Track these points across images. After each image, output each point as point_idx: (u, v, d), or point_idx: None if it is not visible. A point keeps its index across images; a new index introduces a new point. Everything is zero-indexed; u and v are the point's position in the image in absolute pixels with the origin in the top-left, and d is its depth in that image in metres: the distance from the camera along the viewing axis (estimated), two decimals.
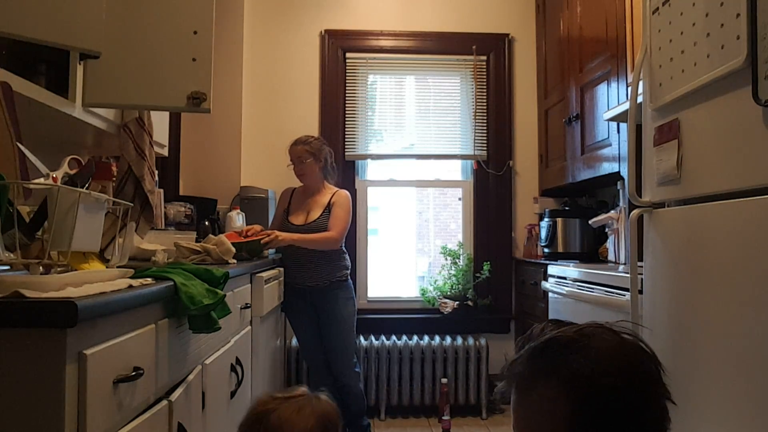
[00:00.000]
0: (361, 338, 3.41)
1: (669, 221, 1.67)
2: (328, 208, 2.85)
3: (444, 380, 3.23)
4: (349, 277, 2.91)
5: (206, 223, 3.02)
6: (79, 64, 1.54)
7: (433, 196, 5.65)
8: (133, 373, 1.05)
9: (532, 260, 3.41)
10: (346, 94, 3.71)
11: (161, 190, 2.36)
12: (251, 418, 1.18)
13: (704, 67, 1.44)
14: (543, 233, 3.41)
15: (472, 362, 3.38)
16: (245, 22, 3.45)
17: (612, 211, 2.93)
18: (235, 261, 2.20)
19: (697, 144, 1.52)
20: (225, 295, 1.49)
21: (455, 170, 3.91)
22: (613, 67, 2.70)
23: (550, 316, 2.85)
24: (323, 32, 3.70)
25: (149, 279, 1.23)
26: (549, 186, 3.60)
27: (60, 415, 0.85)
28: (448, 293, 3.63)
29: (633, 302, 1.76)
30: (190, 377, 1.45)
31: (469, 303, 3.57)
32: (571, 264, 2.75)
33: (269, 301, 2.50)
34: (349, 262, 2.94)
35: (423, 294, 3.68)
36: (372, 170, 3.85)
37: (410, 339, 3.43)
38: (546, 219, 3.38)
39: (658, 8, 1.69)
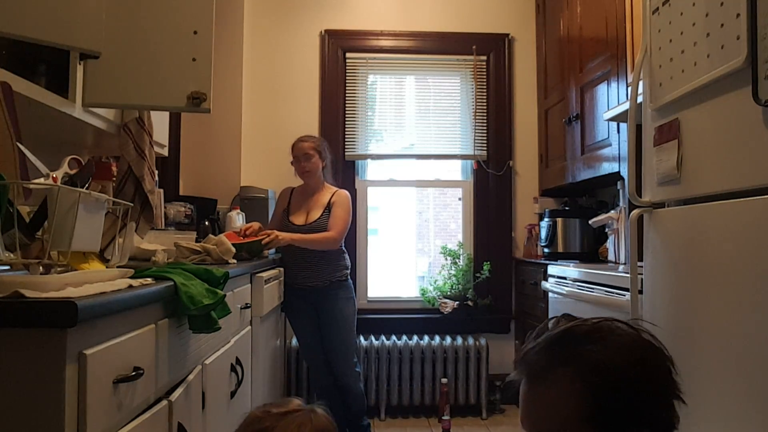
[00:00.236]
0: (361, 338, 3.41)
1: (669, 221, 1.67)
2: (329, 207, 2.84)
3: (444, 380, 3.24)
4: (349, 277, 2.91)
5: (206, 223, 3.02)
6: (79, 64, 1.54)
7: (433, 196, 5.66)
8: (133, 373, 1.05)
9: (532, 260, 3.41)
10: (346, 94, 3.71)
11: (161, 190, 2.36)
12: None
13: (704, 67, 1.44)
14: (543, 233, 3.41)
15: (472, 362, 3.38)
16: (245, 22, 3.45)
17: (612, 211, 2.93)
18: (235, 261, 2.20)
19: (697, 144, 1.52)
20: (225, 295, 1.49)
21: (455, 170, 3.91)
22: (613, 67, 2.70)
23: (550, 316, 2.85)
24: (323, 32, 3.70)
25: (149, 279, 1.23)
26: (549, 186, 3.60)
27: (60, 415, 0.85)
28: (448, 293, 3.63)
29: (633, 302, 1.76)
30: (190, 377, 1.45)
31: (469, 303, 3.57)
32: (571, 264, 2.75)
33: (269, 301, 2.50)
34: (349, 262, 2.94)
35: (423, 294, 3.68)
36: (372, 170, 3.85)
37: (410, 339, 3.43)
38: (546, 219, 3.38)
39: (658, 8, 1.69)
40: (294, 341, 3.23)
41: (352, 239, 3.57)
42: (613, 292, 2.10)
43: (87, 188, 1.17)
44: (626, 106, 2.25)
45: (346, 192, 2.93)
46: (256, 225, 2.69)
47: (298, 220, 2.87)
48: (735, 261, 1.35)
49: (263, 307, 2.38)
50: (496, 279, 3.64)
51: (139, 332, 1.12)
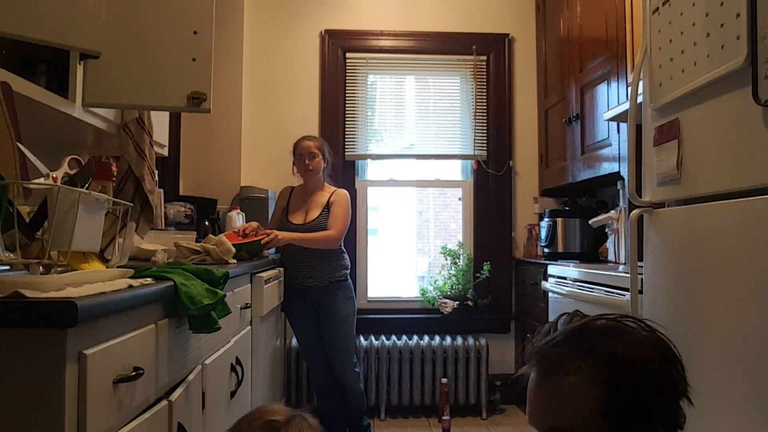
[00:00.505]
0: (361, 338, 3.41)
1: (669, 221, 1.67)
2: (327, 207, 2.84)
3: (444, 380, 3.23)
4: (348, 277, 2.91)
5: (206, 223, 3.01)
6: (79, 64, 1.54)
7: (433, 196, 5.66)
8: (133, 373, 1.05)
9: (532, 260, 3.41)
10: (346, 94, 3.71)
11: (161, 190, 2.36)
12: None
13: (704, 67, 1.44)
14: (543, 233, 3.41)
15: (472, 362, 3.38)
16: (245, 22, 3.45)
17: (612, 211, 2.93)
18: (235, 261, 2.20)
19: (697, 144, 1.52)
20: (225, 295, 1.49)
21: (455, 170, 3.91)
22: (613, 67, 2.70)
23: (550, 317, 2.85)
24: (323, 32, 3.69)
25: (149, 279, 1.23)
26: (549, 186, 3.60)
27: (60, 415, 0.85)
28: (448, 293, 3.63)
29: (633, 302, 1.76)
30: (190, 377, 1.45)
31: (469, 303, 3.57)
32: (571, 264, 2.75)
33: (269, 301, 2.50)
34: (348, 262, 2.94)
35: (423, 294, 3.68)
36: (372, 170, 3.85)
37: (410, 339, 3.43)
38: (546, 219, 3.38)
39: (658, 8, 1.69)
40: (294, 341, 3.23)
41: (352, 239, 3.57)
42: (613, 292, 2.10)
43: (87, 188, 1.17)
44: (626, 106, 2.25)
45: (345, 191, 2.93)
46: (254, 224, 2.69)
47: (297, 219, 2.87)
48: (735, 261, 1.35)
49: (263, 307, 2.38)
50: (496, 279, 3.64)
51: (139, 332, 1.12)
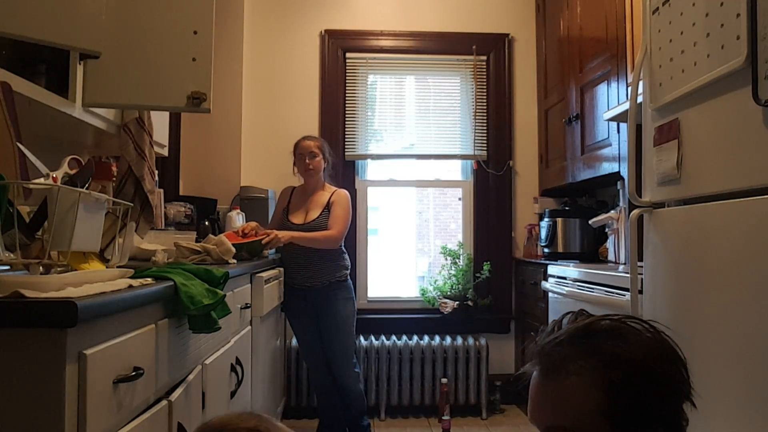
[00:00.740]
0: (361, 338, 3.41)
1: (669, 221, 1.67)
2: (328, 207, 2.84)
3: (444, 380, 3.23)
4: (348, 277, 2.91)
5: (206, 223, 3.01)
6: (79, 64, 1.54)
7: (433, 196, 5.65)
8: (133, 373, 1.05)
9: (532, 260, 3.41)
10: (346, 94, 3.71)
11: (161, 190, 2.36)
12: None
13: (704, 67, 1.44)
14: (543, 233, 3.41)
15: (472, 362, 3.38)
16: (245, 22, 3.45)
17: (612, 211, 2.93)
18: (235, 261, 2.20)
19: (697, 144, 1.52)
20: (225, 295, 1.49)
21: (455, 170, 3.91)
22: (613, 67, 2.70)
23: (550, 317, 2.85)
24: (323, 32, 3.69)
25: (149, 279, 1.23)
26: (549, 186, 3.60)
27: (60, 415, 0.85)
28: (448, 293, 3.62)
29: (633, 302, 1.76)
30: (190, 377, 1.45)
31: (469, 303, 3.57)
32: (571, 264, 2.75)
33: (269, 301, 2.50)
34: (348, 262, 2.94)
35: (423, 294, 3.68)
36: (372, 170, 3.84)
37: (410, 339, 3.43)
38: (546, 219, 3.38)
39: (658, 8, 1.69)
40: (294, 341, 3.23)
41: (352, 239, 3.57)
42: (613, 292, 2.10)
43: (87, 188, 1.17)
44: (626, 106, 2.25)
45: (346, 191, 2.93)
46: (253, 224, 2.69)
47: (297, 219, 2.87)
48: (735, 261, 1.35)
49: (263, 307, 2.38)
50: (496, 279, 3.64)
51: (139, 332, 1.12)
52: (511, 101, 3.77)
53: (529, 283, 3.35)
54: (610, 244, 2.96)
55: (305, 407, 3.33)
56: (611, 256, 2.93)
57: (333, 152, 3.04)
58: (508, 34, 3.77)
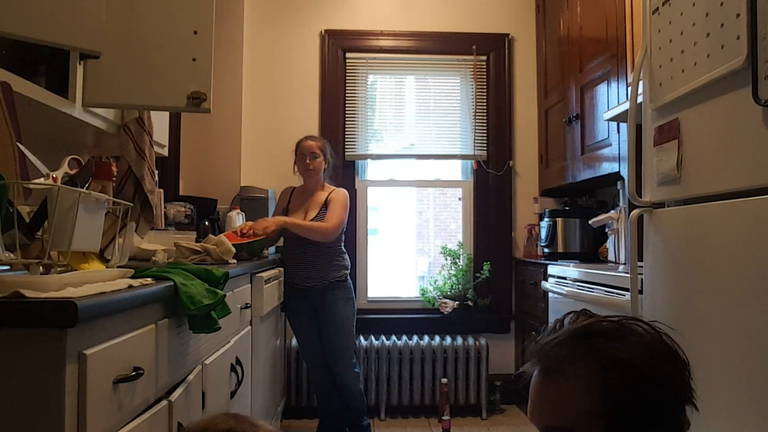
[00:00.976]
0: (361, 338, 3.41)
1: (669, 221, 1.67)
2: (326, 205, 2.84)
3: (444, 380, 3.23)
4: (348, 278, 2.91)
5: (206, 223, 3.01)
6: (79, 64, 1.54)
7: (433, 196, 5.66)
8: (133, 373, 1.05)
9: (532, 260, 3.41)
10: (346, 94, 3.71)
11: (161, 190, 2.36)
12: None
13: (704, 67, 1.44)
14: (543, 233, 3.41)
15: (472, 362, 3.38)
16: (245, 22, 3.45)
17: (612, 211, 2.93)
18: (235, 261, 2.20)
19: (697, 144, 1.52)
20: (225, 295, 1.49)
21: (455, 170, 3.91)
22: (613, 67, 2.70)
23: (550, 317, 2.85)
24: (323, 32, 3.69)
25: (149, 279, 1.23)
26: (549, 186, 3.60)
27: (60, 415, 0.85)
28: (448, 293, 3.62)
29: (633, 302, 1.76)
30: (190, 377, 1.45)
31: (469, 303, 3.57)
32: (571, 264, 2.75)
33: (269, 301, 2.50)
34: (348, 262, 2.94)
35: (423, 294, 3.68)
36: (372, 170, 3.84)
37: (410, 339, 3.43)
38: (546, 219, 3.38)
39: (658, 8, 1.69)
40: (294, 341, 3.23)
41: (352, 239, 3.57)
42: (613, 292, 2.10)
43: (87, 188, 1.17)
44: (626, 106, 2.25)
45: (345, 190, 2.93)
46: (249, 224, 2.69)
47: (297, 218, 2.87)
48: (735, 261, 1.35)
49: (263, 307, 2.38)
50: (496, 279, 3.64)
51: (139, 332, 1.12)
52: (511, 101, 3.77)
53: (529, 283, 3.35)
54: (610, 244, 2.96)
55: (305, 407, 3.33)
56: (611, 256, 2.93)
57: (335, 153, 3.04)
58: (508, 34, 3.77)
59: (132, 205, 1.43)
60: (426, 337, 3.45)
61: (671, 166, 1.61)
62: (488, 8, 3.79)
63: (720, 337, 1.40)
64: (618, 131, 2.67)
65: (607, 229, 2.99)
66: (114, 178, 1.77)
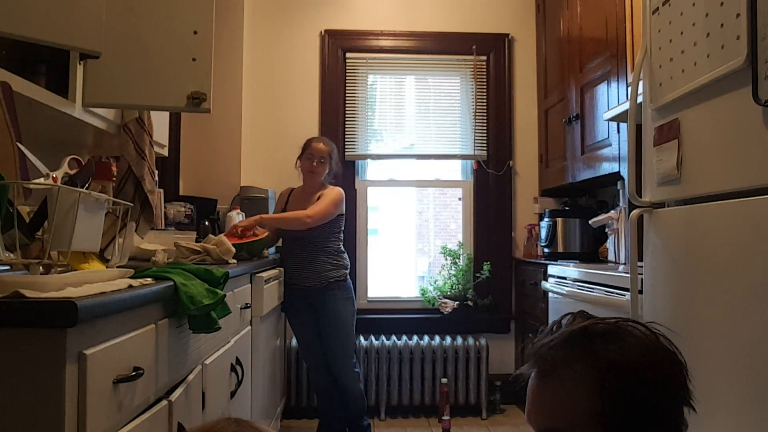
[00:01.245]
0: (361, 338, 3.41)
1: (669, 221, 1.67)
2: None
3: (444, 380, 3.23)
4: (348, 277, 2.91)
5: (206, 223, 3.01)
6: (79, 64, 1.54)
7: (433, 196, 5.66)
8: (133, 373, 1.05)
9: (532, 260, 3.41)
10: (346, 94, 3.71)
11: (161, 190, 2.36)
12: None
13: (704, 67, 1.44)
14: (543, 233, 3.41)
15: (472, 362, 3.38)
16: (245, 22, 3.45)
17: (612, 211, 2.93)
18: (235, 261, 2.20)
19: (697, 144, 1.52)
20: (225, 295, 1.49)
21: (455, 170, 3.91)
22: (613, 67, 2.70)
23: (550, 317, 2.85)
24: (323, 32, 3.69)
25: (149, 279, 1.23)
26: (549, 186, 3.60)
27: (60, 415, 0.85)
28: (448, 293, 3.63)
29: (633, 302, 1.76)
30: (190, 377, 1.45)
31: (469, 303, 3.57)
32: (571, 264, 2.75)
33: (269, 301, 2.50)
34: (348, 262, 2.94)
35: (423, 294, 3.68)
36: (372, 170, 3.84)
37: (410, 339, 3.43)
38: (546, 219, 3.38)
39: (658, 8, 1.69)
40: (294, 341, 3.23)
41: (352, 239, 3.57)
42: (613, 292, 2.10)
43: (87, 188, 1.17)
44: (626, 106, 2.25)
45: (340, 189, 2.91)
46: (243, 222, 2.68)
47: None
48: (735, 261, 1.35)
49: (263, 307, 2.38)
50: (496, 279, 3.64)
51: (139, 332, 1.12)
52: (511, 101, 3.77)
53: (529, 283, 3.35)
54: (610, 244, 2.96)
55: (305, 407, 3.33)
56: (611, 256, 2.93)
57: (339, 160, 3.04)
58: (508, 34, 3.77)
59: (132, 205, 1.43)
60: (426, 337, 3.45)
61: (671, 166, 1.61)
62: (488, 8, 3.79)
63: (720, 337, 1.40)
64: (618, 131, 2.67)
65: (607, 229, 2.99)
66: (114, 178, 1.77)
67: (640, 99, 1.84)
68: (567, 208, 3.39)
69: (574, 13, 3.17)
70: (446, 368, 3.37)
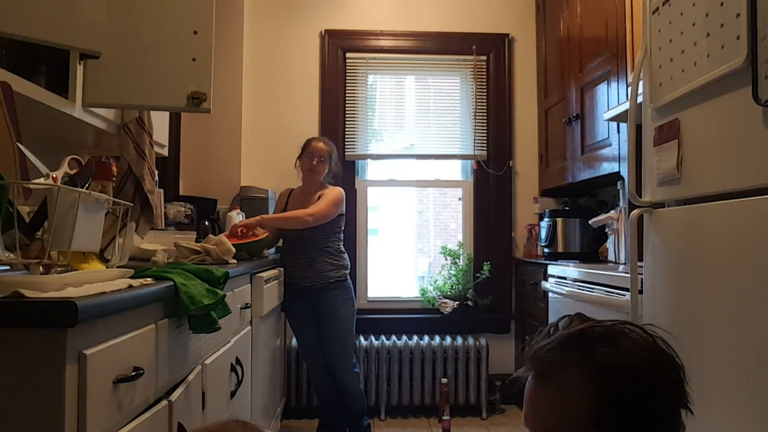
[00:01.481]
0: (361, 338, 3.41)
1: (669, 221, 1.67)
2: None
3: (444, 380, 3.23)
4: (348, 277, 2.91)
5: (206, 223, 3.01)
6: (79, 64, 1.54)
7: (433, 196, 5.66)
8: (133, 373, 1.05)
9: (532, 260, 3.41)
10: (346, 94, 3.71)
11: (161, 190, 2.36)
12: None
13: (704, 67, 1.44)
14: (543, 233, 3.41)
15: (472, 362, 3.38)
16: (245, 22, 3.45)
17: (612, 211, 2.93)
18: (235, 261, 2.20)
19: (697, 144, 1.52)
20: (225, 295, 1.49)
21: (455, 170, 3.91)
22: (613, 67, 2.70)
23: (550, 317, 2.85)
24: (323, 32, 3.69)
25: (149, 279, 1.23)
26: (549, 186, 3.60)
27: (60, 416, 0.85)
28: (448, 293, 3.62)
29: (633, 302, 1.76)
30: (190, 377, 1.45)
31: (469, 303, 3.57)
32: (571, 264, 2.75)
33: (269, 301, 2.50)
34: (348, 262, 2.94)
35: (423, 294, 3.68)
36: (372, 170, 3.84)
37: (410, 339, 3.43)
38: (546, 219, 3.38)
39: (658, 8, 1.69)
40: (294, 341, 3.23)
41: (352, 239, 3.57)
42: (613, 292, 2.10)
43: (87, 188, 1.17)
44: (626, 106, 2.25)
45: (340, 188, 2.92)
46: (244, 222, 2.68)
47: None
48: (735, 261, 1.35)
49: (263, 307, 2.38)
50: (496, 279, 3.64)
51: (139, 332, 1.12)
52: (511, 101, 3.77)
53: (529, 283, 3.35)
54: (610, 244, 2.96)
55: (305, 407, 3.33)
56: (611, 256, 2.93)
57: (339, 161, 3.04)
58: (508, 34, 3.77)
59: (132, 205, 1.43)
60: (426, 337, 3.45)
61: (671, 166, 1.61)
62: (488, 8, 3.79)
63: (719, 337, 1.40)
64: (618, 131, 2.67)
65: (607, 229, 2.99)
66: (114, 178, 1.76)
67: (640, 99, 1.84)
68: (567, 208, 3.39)
69: (574, 13, 3.17)
70: (446, 368, 3.37)
